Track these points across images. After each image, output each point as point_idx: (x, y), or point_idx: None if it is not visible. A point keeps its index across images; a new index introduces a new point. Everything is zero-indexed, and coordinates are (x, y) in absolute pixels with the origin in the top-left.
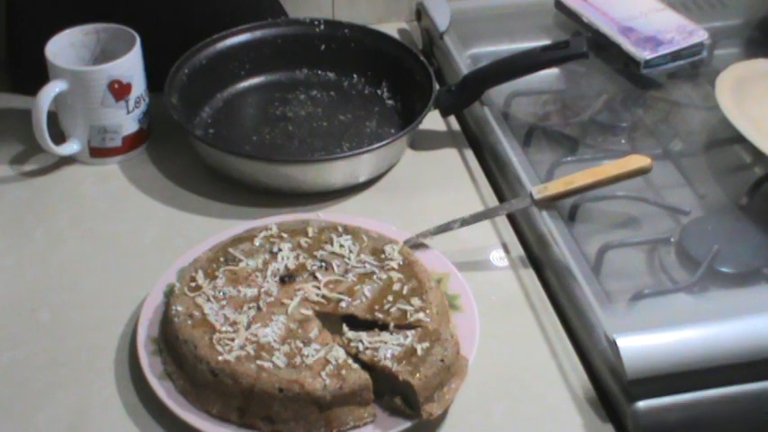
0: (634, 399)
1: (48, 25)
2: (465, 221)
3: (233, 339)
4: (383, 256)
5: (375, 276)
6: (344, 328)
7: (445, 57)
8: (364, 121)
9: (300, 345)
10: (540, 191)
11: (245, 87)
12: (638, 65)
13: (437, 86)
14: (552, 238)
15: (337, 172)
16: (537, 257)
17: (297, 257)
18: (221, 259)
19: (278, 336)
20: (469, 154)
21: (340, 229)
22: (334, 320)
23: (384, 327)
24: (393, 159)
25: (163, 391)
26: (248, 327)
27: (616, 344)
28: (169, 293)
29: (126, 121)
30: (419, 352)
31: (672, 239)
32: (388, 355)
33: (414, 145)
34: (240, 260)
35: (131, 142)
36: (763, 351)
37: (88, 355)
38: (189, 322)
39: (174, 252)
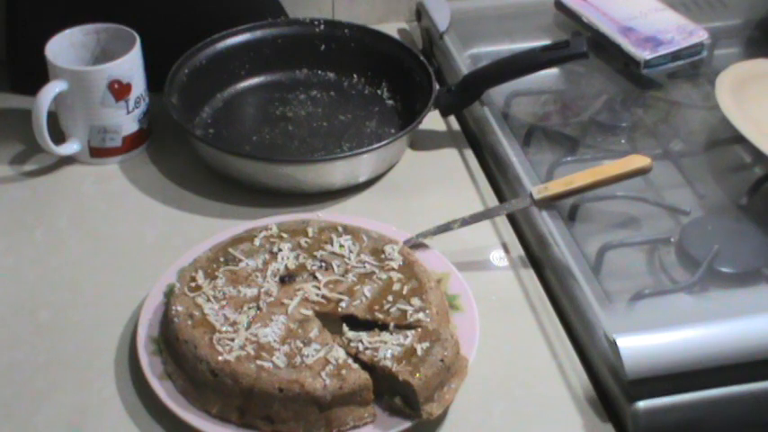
0: (634, 399)
1: (48, 25)
2: (465, 221)
3: (233, 339)
4: (383, 256)
5: (375, 276)
6: (344, 328)
7: (445, 57)
8: (364, 121)
9: (300, 345)
10: (540, 191)
11: (245, 87)
12: (638, 65)
13: (437, 86)
14: (552, 238)
15: (337, 172)
16: (537, 257)
17: (297, 257)
18: (221, 259)
19: (278, 336)
20: (469, 154)
21: (340, 229)
22: (334, 320)
23: (384, 327)
24: (393, 159)
25: (163, 391)
26: (248, 327)
27: (616, 344)
28: (169, 293)
29: (126, 121)
30: (419, 352)
31: (672, 239)
32: (388, 355)
33: (414, 145)
34: (240, 260)
35: (131, 142)
36: (763, 351)
37: (88, 355)
38: (189, 322)
39: (174, 252)
